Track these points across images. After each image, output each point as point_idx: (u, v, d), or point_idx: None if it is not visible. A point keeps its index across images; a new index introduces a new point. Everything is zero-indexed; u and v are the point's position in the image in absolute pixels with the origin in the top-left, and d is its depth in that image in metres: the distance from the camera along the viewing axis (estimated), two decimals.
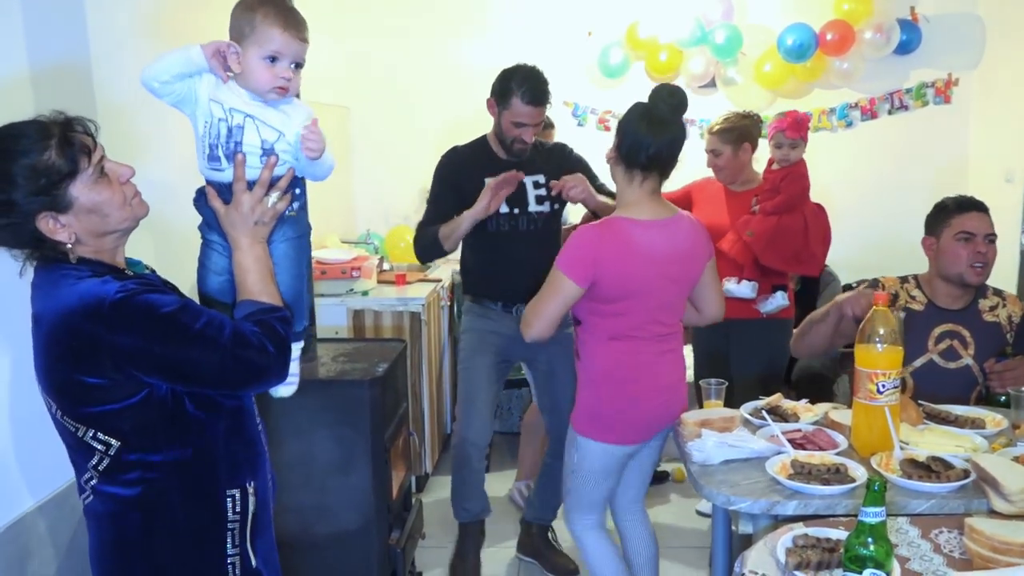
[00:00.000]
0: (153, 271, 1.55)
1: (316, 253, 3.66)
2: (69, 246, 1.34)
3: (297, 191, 1.57)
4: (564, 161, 2.83)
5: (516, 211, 2.71)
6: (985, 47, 4.49)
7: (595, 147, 4.65)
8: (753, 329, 3.11)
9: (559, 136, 3.98)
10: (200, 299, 1.57)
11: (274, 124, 1.49)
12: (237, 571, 1.46)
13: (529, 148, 2.70)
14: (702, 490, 1.83)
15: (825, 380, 3.52)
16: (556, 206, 2.80)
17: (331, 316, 3.62)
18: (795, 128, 2.95)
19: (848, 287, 4.06)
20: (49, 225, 1.31)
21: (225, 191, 1.50)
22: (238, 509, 1.46)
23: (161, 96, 1.47)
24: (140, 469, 1.38)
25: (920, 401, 2.20)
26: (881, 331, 1.89)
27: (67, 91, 2.00)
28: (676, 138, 2.11)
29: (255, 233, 1.50)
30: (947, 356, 2.39)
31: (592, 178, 2.80)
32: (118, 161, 1.40)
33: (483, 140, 2.80)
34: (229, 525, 1.45)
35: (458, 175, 2.74)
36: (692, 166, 4.46)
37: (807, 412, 2.22)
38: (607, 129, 4.74)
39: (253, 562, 1.49)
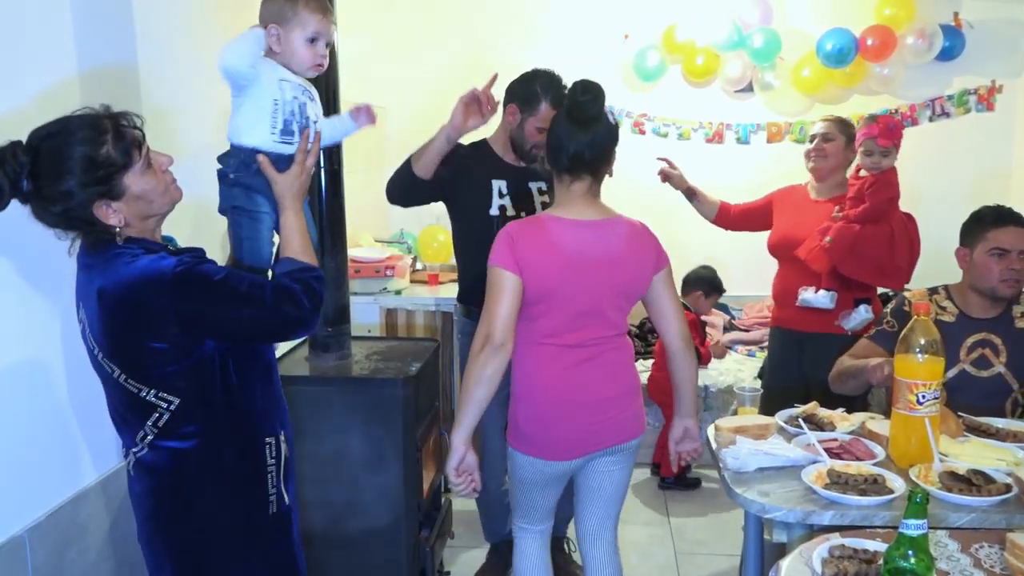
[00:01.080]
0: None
1: (350, 252, 3.69)
2: (119, 229, 1.47)
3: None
4: None
5: (523, 216, 2.69)
6: None
7: (630, 150, 4.65)
8: (832, 344, 2.81)
9: None
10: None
11: (317, 102, 1.73)
12: (275, 508, 1.63)
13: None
14: (736, 498, 1.81)
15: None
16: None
17: (364, 314, 3.65)
18: (887, 135, 2.76)
19: (886, 297, 4.02)
20: (103, 211, 1.44)
21: (281, 161, 1.65)
22: (274, 454, 1.63)
23: (245, 79, 1.60)
24: (196, 423, 1.53)
25: (960, 413, 2.16)
26: (922, 341, 1.87)
27: (113, 89, 2.04)
28: (597, 138, 1.97)
29: (303, 196, 1.71)
30: (979, 365, 2.35)
31: None
32: (158, 151, 1.53)
33: (483, 143, 2.76)
34: (268, 469, 1.62)
35: (457, 167, 2.63)
36: (735, 170, 4.47)
37: (843, 421, 2.19)
38: (642, 132, 4.72)
39: (287, 500, 1.67)
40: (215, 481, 1.56)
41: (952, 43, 4.36)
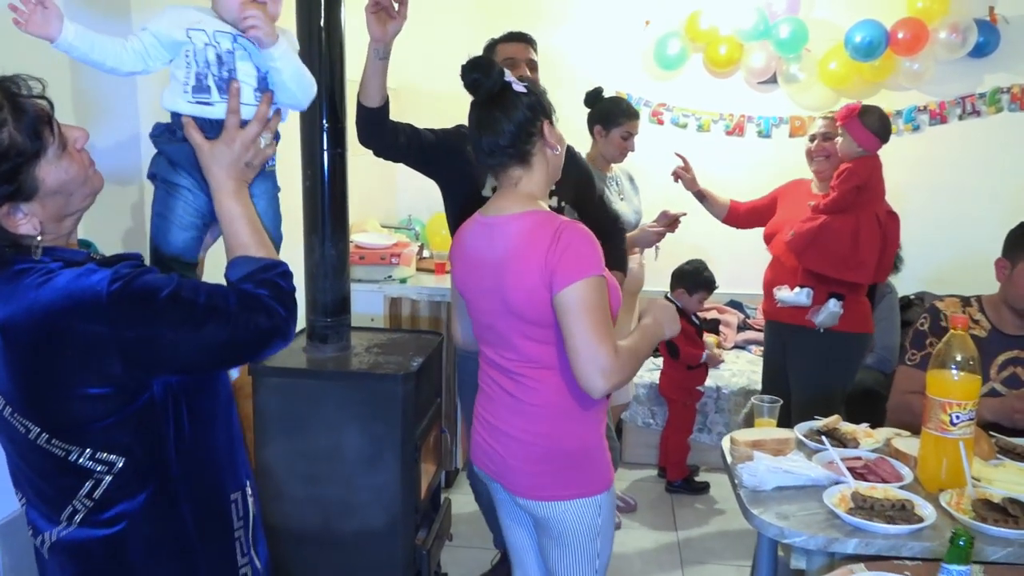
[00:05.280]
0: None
1: (354, 237, 3.58)
2: (39, 239, 1.12)
3: (277, 141, 1.42)
4: (571, 164, 2.46)
5: None
6: None
7: (648, 140, 4.53)
8: (811, 340, 2.90)
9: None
10: (156, 260, 1.37)
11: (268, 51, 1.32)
12: None
13: None
14: (753, 520, 1.69)
15: (879, 397, 3.34)
16: (563, 203, 2.58)
17: (367, 303, 3.54)
18: (840, 114, 2.77)
19: (906, 300, 3.89)
20: (11, 220, 1.10)
21: (208, 128, 1.32)
22: (241, 513, 1.32)
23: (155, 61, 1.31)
24: (146, 487, 1.19)
25: (992, 433, 2.03)
26: (958, 357, 1.74)
27: None
28: (507, 120, 1.66)
29: (243, 175, 1.32)
30: (1009, 383, 2.22)
31: (591, 196, 2.63)
32: (67, 124, 1.16)
33: None
34: (236, 533, 1.31)
35: (453, 139, 2.54)
36: (725, 166, 4.32)
37: (867, 437, 2.07)
38: (660, 123, 4.59)
39: (259, 566, 1.36)
40: (171, 562, 1.23)
41: (986, 39, 4.20)
